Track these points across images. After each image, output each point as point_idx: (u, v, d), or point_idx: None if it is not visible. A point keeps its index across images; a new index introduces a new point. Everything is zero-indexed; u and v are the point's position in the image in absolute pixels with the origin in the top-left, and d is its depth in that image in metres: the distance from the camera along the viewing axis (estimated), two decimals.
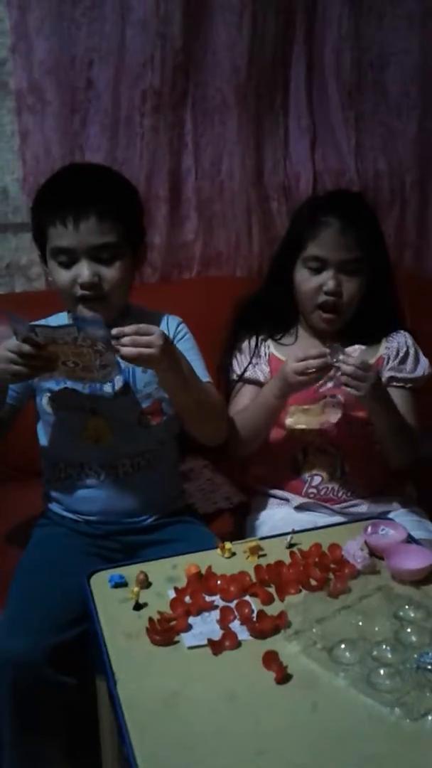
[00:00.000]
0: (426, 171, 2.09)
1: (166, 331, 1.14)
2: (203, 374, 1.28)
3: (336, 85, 1.98)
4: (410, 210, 2.10)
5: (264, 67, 1.88)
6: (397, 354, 1.41)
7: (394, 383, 1.39)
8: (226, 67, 1.83)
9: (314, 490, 1.38)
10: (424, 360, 1.43)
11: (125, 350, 1.07)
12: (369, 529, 1.13)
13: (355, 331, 1.38)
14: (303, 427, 1.33)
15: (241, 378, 1.42)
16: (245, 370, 1.42)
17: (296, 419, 1.33)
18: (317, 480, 1.38)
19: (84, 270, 1.17)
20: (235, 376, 1.43)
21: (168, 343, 1.11)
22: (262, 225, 1.93)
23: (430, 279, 2.19)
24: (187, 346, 1.29)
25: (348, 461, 1.38)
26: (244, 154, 1.87)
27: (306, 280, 1.34)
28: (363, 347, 1.27)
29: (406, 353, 1.41)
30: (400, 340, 1.43)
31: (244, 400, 1.41)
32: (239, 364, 1.44)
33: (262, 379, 1.41)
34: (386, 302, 1.42)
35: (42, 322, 1.20)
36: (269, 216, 1.95)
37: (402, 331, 1.44)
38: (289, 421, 1.34)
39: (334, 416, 1.32)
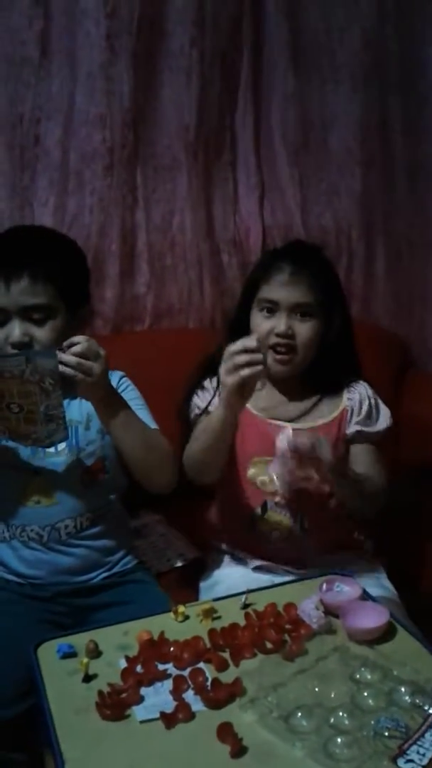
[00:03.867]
0: (370, 226, 2.16)
1: None
2: (149, 421, 1.27)
3: (282, 143, 2.05)
4: (357, 262, 2.16)
5: (212, 125, 1.94)
6: (361, 407, 1.39)
7: (361, 439, 1.38)
8: (174, 124, 1.87)
9: (272, 546, 1.35)
10: (385, 410, 1.42)
11: (66, 357, 1.08)
12: (324, 586, 1.12)
13: (316, 380, 1.39)
14: (263, 479, 1.31)
15: (204, 411, 1.38)
16: (209, 404, 1.37)
17: (256, 471, 1.32)
18: (275, 535, 1.35)
19: (15, 330, 1.18)
20: (197, 410, 1.39)
21: (106, 372, 1.14)
22: (213, 277, 1.96)
23: (377, 326, 2.25)
24: (131, 396, 1.29)
25: (307, 517, 1.35)
26: (194, 209, 1.90)
27: (260, 324, 1.35)
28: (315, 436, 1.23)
29: (370, 406, 1.40)
30: (361, 392, 1.41)
31: None
32: (202, 400, 1.40)
33: None
34: (345, 351, 1.42)
35: None
36: (220, 269, 1.98)
37: (362, 382, 1.44)
38: (251, 472, 1.33)
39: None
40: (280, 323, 1.31)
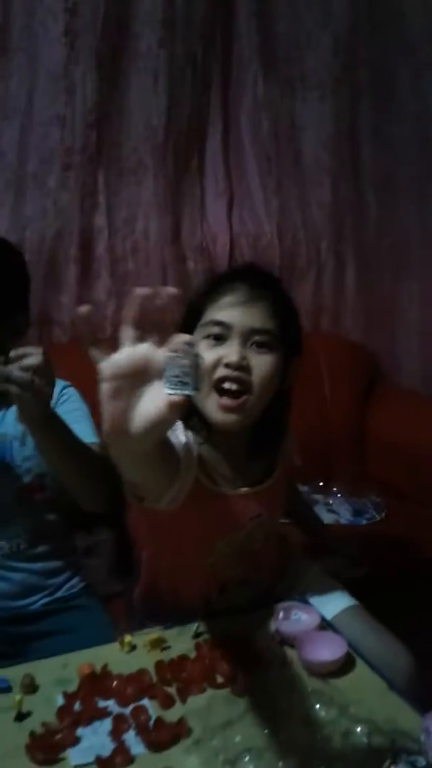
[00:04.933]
0: (340, 238, 2.12)
1: None
2: (89, 433, 1.17)
3: (253, 151, 2.01)
4: (326, 275, 2.12)
5: (181, 129, 1.89)
6: None
7: None
8: (141, 127, 1.82)
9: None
10: None
11: (17, 373, 0.94)
12: (281, 614, 1.06)
13: (262, 441, 1.10)
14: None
15: None
16: None
17: (218, 558, 1.10)
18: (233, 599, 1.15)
19: None
20: None
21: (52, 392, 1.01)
22: (177, 285, 1.90)
23: (346, 338, 2.21)
24: (73, 407, 1.20)
25: (265, 573, 1.19)
26: (160, 214, 1.85)
27: (203, 354, 0.97)
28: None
29: None
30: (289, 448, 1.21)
31: None
32: None
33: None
34: (287, 403, 1.14)
35: None
36: (185, 276, 1.93)
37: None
38: (211, 560, 1.10)
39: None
40: (231, 352, 0.99)
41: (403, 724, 0.85)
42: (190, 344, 0.66)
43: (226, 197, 1.98)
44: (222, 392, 1.00)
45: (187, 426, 1.02)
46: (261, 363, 1.01)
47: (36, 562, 1.19)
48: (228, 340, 1.01)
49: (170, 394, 0.64)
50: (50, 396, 1.01)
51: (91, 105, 1.72)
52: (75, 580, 1.26)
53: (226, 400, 1.00)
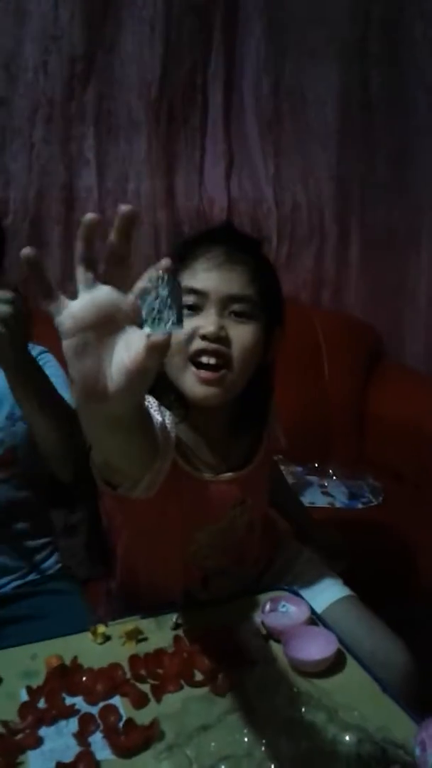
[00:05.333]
0: (346, 209, 2.01)
1: None
2: (65, 392, 1.09)
3: (255, 112, 1.90)
4: (329, 246, 2.02)
5: (178, 85, 1.78)
6: None
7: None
8: (135, 80, 1.70)
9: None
10: None
11: None
12: (267, 606, 0.98)
13: (244, 420, 1.01)
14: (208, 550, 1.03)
15: None
16: None
17: (199, 546, 1.02)
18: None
19: None
20: None
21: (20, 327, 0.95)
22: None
23: (349, 314, 2.12)
24: (52, 373, 1.11)
25: (250, 563, 1.11)
26: (153, 175, 1.74)
27: None
28: None
29: None
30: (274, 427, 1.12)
31: None
32: None
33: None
34: (270, 378, 1.04)
35: None
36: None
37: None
38: (193, 548, 1.02)
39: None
40: (208, 322, 0.89)
41: (396, 733, 0.78)
42: (169, 270, 0.55)
43: (225, 160, 1.86)
44: (199, 366, 0.91)
45: (162, 404, 0.92)
46: (241, 333, 0.91)
47: (8, 542, 1.11)
48: (203, 310, 0.91)
49: (148, 335, 0.54)
50: (16, 325, 0.94)
51: (79, 55, 1.60)
52: (51, 561, 1.18)
53: (204, 373, 0.90)
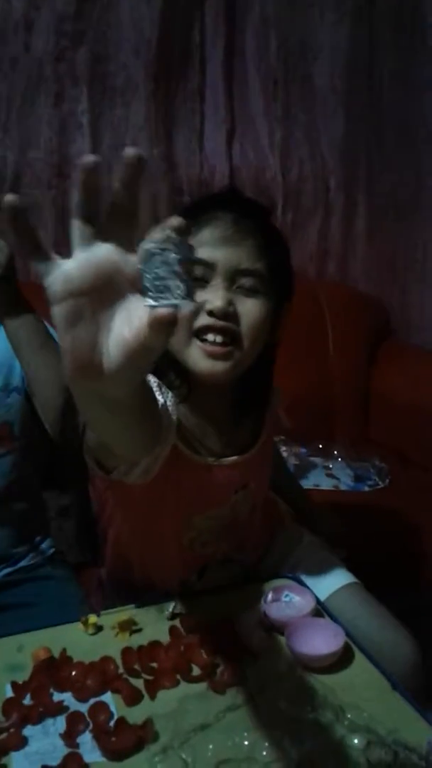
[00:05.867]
0: (352, 179, 1.93)
1: None
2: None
3: (257, 74, 1.81)
4: (335, 216, 1.94)
5: (177, 44, 1.68)
6: None
7: None
8: (132, 40, 1.61)
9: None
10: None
11: None
12: (270, 595, 0.92)
13: (248, 401, 0.96)
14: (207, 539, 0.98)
15: None
16: None
17: (197, 533, 0.97)
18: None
19: None
20: None
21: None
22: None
23: (354, 289, 2.04)
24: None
25: (250, 549, 1.05)
26: (151, 140, 1.65)
27: None
28: None
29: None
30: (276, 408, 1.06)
31: None
32: None
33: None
34: (274, 358, 0.98)
35: None
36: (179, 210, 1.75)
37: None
38: (189, 536, 0.96)
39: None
40: (215, 296, 0.83)
41: (407, 735, 0.72)
42: (182, 230, 0.44)
43: (227, 125, 1.77)
44: (205, 342, 0.84)
45: (163, 383, 0.85)
46: (250, 309, 0.85)
47: (6, 523, 1.05)
48: (210, 283, 0.84)
49: (153, 306, 0.44)
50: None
51: (70, 13, 1.50)
52: (44, 546, 1.12)
53: (211, 346, 0.83)
